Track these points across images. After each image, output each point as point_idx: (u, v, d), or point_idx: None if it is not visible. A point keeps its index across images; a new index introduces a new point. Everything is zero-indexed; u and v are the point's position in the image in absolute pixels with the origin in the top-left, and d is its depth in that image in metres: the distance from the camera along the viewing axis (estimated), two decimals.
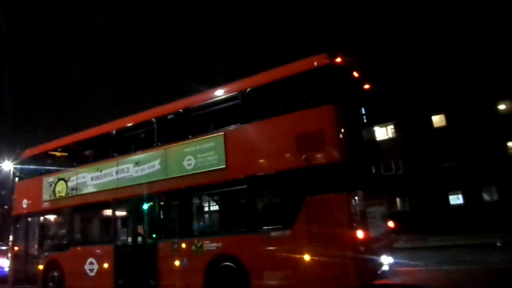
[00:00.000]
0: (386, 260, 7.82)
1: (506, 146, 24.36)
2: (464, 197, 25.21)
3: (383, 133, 29.18)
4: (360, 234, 6.81)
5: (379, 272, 7.51)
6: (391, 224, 9.10)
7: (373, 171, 9.01)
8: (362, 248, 6.80)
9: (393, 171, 28.20)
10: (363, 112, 9.11)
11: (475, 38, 25.03)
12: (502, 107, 24.76)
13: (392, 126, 28.95)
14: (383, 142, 28.42)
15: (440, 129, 26.62)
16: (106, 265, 9.79)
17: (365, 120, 9.14)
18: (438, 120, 26.95)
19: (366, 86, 9.26)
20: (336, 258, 6.76)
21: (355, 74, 8.72)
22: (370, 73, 10.32)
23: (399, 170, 28.11)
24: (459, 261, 11.50)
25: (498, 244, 13.22)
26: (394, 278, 8.59)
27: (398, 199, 27.88)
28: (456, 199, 25.52)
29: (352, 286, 6.70)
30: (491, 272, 9.53)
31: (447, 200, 25.48)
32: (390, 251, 8.38)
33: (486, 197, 24.84)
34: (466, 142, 24.86)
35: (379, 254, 7.63)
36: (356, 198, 7.10)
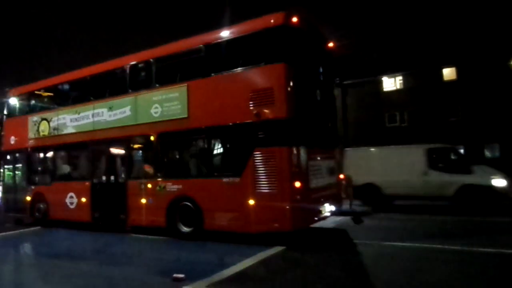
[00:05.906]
0: (327, 208, 8.65)
1: None
2: (466, 152, 25.09)
3: (391, 84, 28.67)
4: (297, 184, 7.52)
5: (316, 218, 8.35)
6: (342, 176, 9.85)
7: (329, 126, 9.57)
8: (298, 197, 7.54)
9: (397, 122, 28.06)
10: (321, 71, 9.44)
11: None
12: None
13: (400, 77, 28.28)
14: (391, 93, 28.16)
15: (449, 82, 25.93)
16: (83, 200, 10.83)
17: (321, 79, 9.48)
18: (448, 73, 26.09)
19: (330, 45, 9.51)
20: (275, 205, 7.58)
21: (314, 33, 8.93)
22: (337, 32, 10.44)
23: (404, 122, 27.95)
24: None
25: None
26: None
27: None
28: None
29: (287, 229, 7.58)
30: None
31: None
32: (336, 200, 9.22)
33: (487, 153, 24.95)
34: (474, 98, 24.16)
35: (320, 203, 8.44)
36: (298, 152, 7.74)
